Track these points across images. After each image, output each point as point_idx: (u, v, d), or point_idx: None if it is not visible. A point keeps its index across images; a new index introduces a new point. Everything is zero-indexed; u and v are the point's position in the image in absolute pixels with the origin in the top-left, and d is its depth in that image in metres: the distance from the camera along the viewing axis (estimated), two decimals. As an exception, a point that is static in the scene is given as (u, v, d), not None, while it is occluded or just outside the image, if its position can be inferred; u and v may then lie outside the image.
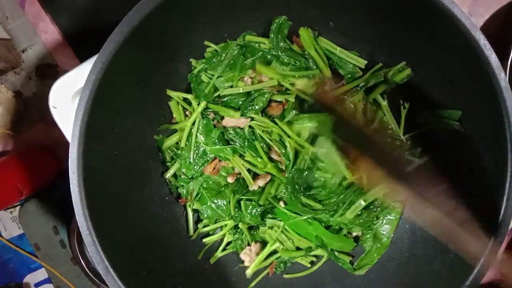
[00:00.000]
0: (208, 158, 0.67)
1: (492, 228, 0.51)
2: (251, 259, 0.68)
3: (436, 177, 0.64)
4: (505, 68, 0.68)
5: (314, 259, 0.69)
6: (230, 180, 0.67)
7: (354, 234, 0.69)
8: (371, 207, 0.65)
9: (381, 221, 0.66)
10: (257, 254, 0.68)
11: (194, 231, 0.69)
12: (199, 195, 0.68)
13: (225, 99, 0.65)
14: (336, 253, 0.67)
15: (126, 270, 0.52)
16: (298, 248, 0.68)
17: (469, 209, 0.57)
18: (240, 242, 0.69)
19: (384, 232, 0.66)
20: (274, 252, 0.68)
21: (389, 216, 0.66)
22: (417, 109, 0.65)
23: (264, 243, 0.69)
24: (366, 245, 0.67)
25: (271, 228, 0.68)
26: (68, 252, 0.81)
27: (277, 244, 0.67)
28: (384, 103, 0.67)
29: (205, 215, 0.68)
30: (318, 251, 0.67)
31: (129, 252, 0.57)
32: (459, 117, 0.58)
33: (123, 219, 0.58)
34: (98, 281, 0.80)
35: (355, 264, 0.66)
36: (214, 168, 0.67)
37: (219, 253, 0.69)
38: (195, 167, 0.66)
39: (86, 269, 0.80)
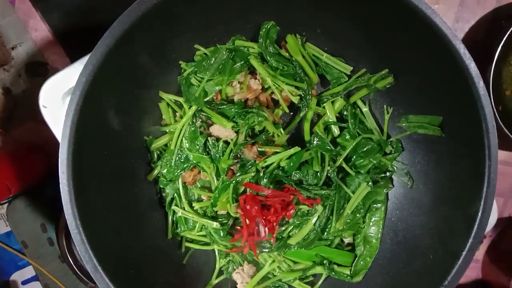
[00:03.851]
0: (189, 165, 0.66)
1: (469, 228, 0.54)
2: (243, 280, 0.67)
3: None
4: (490, 71, 0.69)
5: (311, 278, 0.69)
6: (205, 198, 0.67)
7: (347, 241, 0.70)
8: (355, 210, 0.66)
9: (367, 224, 0.68)
10: (250, 276, 0.67)
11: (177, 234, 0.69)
12: (174, 200, 0.68)
13: (222, 106, 0.64)
14: (336, 267, 0.67)
15: (114, 269, 0.53)
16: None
17: (448, 209, 0.60)
18: (232, 264, 0.69)
19: (372, 234, 0.68)
20: (268, 276, 0.68)
21: (374, 218, 0.68)
22: (400, 114, 0.67)
23: (256, 263, 0.69)
24: (358, 249, 0.68)
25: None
26: (56, 250, 0.81)
27: (274, 266, 0.67)
28: (365, 108, 0.68)
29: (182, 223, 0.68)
30: (317, 269, 0.67)
31: (118, 251, 0.58)
32: (440, 123, 0.60)
33: (112, 218, 0.58)
34: (86, 279, 0.80)
35: (352, 271, 0.67)
36: (192, 178, 0.66)
37: (213, 281, 0.69)
38: (175, 171, 0.66)
39: (74, 267, 0.80)
